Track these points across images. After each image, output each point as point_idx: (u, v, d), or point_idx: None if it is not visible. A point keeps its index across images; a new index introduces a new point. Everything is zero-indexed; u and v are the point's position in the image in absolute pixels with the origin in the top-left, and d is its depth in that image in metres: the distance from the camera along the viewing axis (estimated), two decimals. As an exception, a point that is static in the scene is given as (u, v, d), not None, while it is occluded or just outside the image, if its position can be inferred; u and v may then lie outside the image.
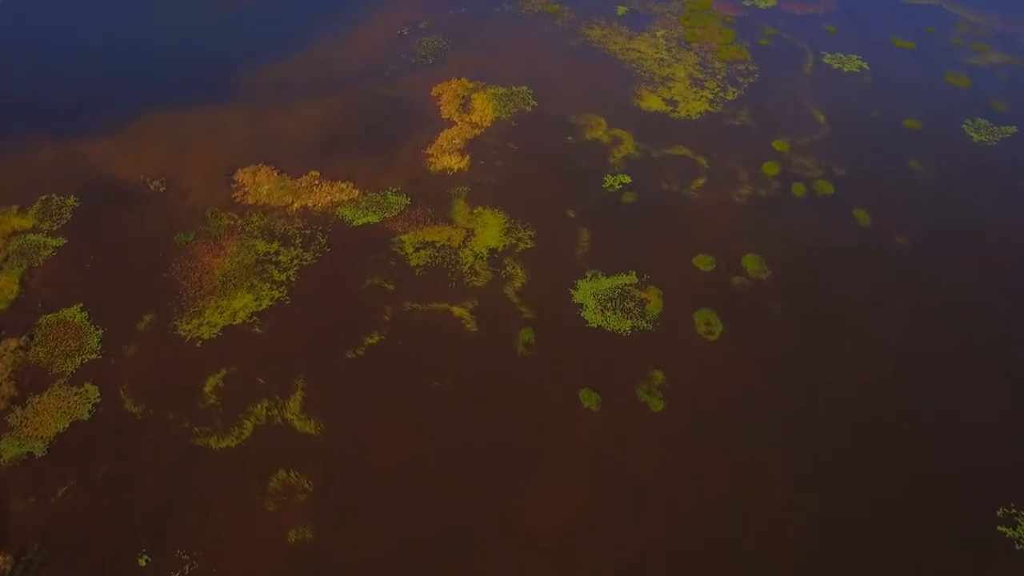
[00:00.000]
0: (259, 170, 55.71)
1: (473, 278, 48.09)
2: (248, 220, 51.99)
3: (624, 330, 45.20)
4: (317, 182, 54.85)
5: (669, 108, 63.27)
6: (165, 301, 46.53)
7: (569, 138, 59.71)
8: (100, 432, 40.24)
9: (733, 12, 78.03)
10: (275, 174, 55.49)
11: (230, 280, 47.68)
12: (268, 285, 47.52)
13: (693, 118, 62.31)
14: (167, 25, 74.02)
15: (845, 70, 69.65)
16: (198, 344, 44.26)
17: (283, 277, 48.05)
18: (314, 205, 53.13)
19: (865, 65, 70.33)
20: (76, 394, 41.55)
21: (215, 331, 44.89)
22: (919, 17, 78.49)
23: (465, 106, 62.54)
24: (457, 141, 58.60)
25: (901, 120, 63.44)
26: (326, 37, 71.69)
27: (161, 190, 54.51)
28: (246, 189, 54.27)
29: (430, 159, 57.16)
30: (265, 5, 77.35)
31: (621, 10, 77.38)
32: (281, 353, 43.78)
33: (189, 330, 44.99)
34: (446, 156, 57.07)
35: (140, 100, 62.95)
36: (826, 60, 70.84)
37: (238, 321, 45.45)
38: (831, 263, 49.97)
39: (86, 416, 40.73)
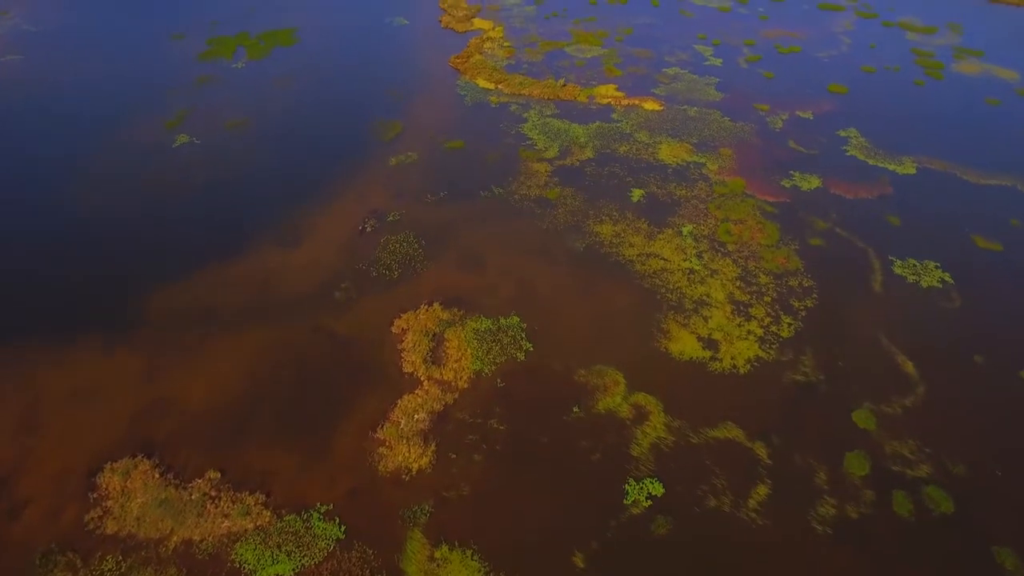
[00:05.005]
0: (136, 467, 39.10)
1: None
2: (97, 569, 34.85)
3: None
4: (214, 492, 38.10)
5: (708, 354, 47.50)
6: None
7: (575, 409, 43.47)
8: None
9: (772, 196, 64.20)
10: (157, 475, 38.80)
11: None
12: None
13: (741, 371, 46.41)
14: (54, 223, 58.61)
15: (923, 285, 54.71)
16: None
17: None
18: (202, 539, 36.06)
19: (947, 277, 55.50)
20: None
21: None
22: (994, 202, 64.69)
23: (435, 352, 46.76)
24: (420, 416, 42.36)
25: (1016, 369, 47.68)
26: (269, 239, 56.66)
27: (-13, 502, 37.88)
28: (109, 504, 37.43)
29: (381, 450, 40.62)
30: (201, 194, 62.72)
31: (636, 195, 63.47)
32: None
33: None
34: (403, 445, 40.61)
35: None
36: (897, 270, 56.01)
37: None
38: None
39: None
